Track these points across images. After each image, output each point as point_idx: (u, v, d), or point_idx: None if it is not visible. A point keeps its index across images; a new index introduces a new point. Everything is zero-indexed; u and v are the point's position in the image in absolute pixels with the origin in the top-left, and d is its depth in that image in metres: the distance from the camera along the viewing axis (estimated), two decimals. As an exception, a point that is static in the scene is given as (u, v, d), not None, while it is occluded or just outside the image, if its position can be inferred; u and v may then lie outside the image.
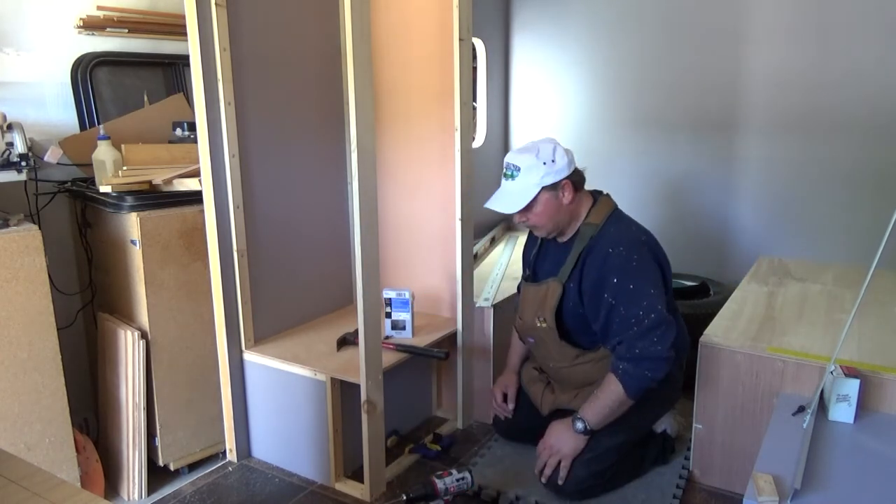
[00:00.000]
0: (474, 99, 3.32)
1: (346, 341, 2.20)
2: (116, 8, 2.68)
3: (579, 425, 1.90)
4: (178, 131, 2.62)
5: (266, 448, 2.25)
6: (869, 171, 2.78)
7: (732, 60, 3.00)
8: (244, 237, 2.13)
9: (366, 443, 1.96)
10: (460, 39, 2.17)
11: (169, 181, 2.27)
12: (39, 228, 2.06)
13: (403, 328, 2.27)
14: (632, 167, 3.32)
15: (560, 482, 1.92)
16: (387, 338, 2.25)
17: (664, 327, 1.83)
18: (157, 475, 2.41)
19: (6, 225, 2.03)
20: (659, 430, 2.15)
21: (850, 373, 1.67)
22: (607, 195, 2.06)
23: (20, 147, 2.13)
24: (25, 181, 2.24)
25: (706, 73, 3.07)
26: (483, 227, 3.39)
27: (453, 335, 2.38)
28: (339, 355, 2.14)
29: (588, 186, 2.04)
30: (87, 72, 2.59)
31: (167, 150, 2.51)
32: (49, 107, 2.56)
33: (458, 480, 1.87)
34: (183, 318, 2.34)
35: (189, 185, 2.25)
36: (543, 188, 1.92)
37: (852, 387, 1.64)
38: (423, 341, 2.24)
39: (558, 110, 3.54)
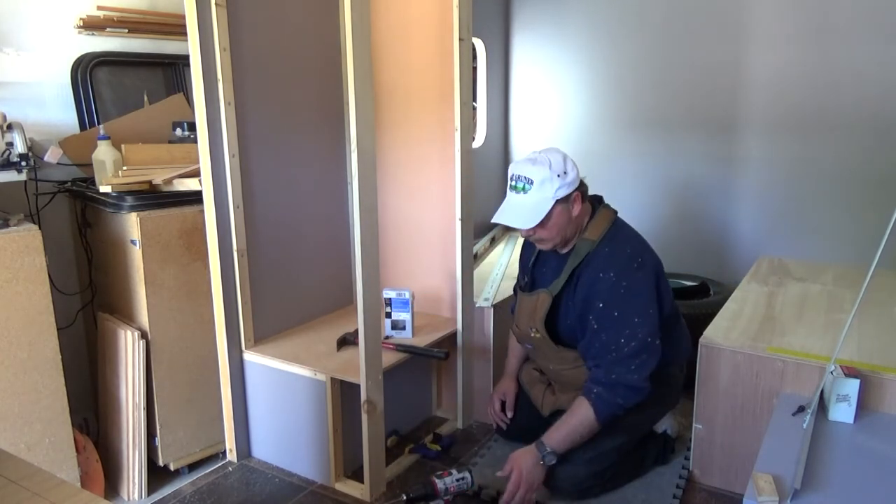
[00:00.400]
0: (474, 99, 3.32)
1: (346, 341, 2.20)
2: (116, 8, 2.68)
3: (550, 459, 1.83)
4: (178, 131, 2.62)
5: (266, 448, 2.25)
6: (869, 171, 2.78)
7: (733, 60, 3.00)
8: (244, 237, 2.13)
9: (366, 443, 1.96)
10: (460, 39, 2.17)
11: (169, 181, 2.27)
12: (39, 228, 2.06)
13: (403, 328, 2.27)
14: (632, 167, 3.32)
15: None
16: (387, 338, 2.25)
17: (644, 356, 1.81)
18: (157, 475, 2.41)
19: (6, 225, 2.03)
20: (659, 431, 2.15)
21: (850, 373, 1.67)
22: (606, 204, 2.02)
23: (20, 147, 2.14)
24: (25, 181, 2.24)
25: (706, 73, 3.07)
26: (483, 227, 3.39)
27: (453, 335, 2.38)
28: (339, 355, 2.14)
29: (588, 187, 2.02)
30: (87, 72, 2.59)
31: (167, 150, 2.51)
32: (49, 107, 2.56)
33: (458, 480, 1.87)
34: (183, 318, 2.34)
35: (189, 185, 2.25)
36: (557, 201, 1.87)
37: (852, 387, 1.64)
38: (423, 341, 2.24)
39: (558, 110, 3.54)
